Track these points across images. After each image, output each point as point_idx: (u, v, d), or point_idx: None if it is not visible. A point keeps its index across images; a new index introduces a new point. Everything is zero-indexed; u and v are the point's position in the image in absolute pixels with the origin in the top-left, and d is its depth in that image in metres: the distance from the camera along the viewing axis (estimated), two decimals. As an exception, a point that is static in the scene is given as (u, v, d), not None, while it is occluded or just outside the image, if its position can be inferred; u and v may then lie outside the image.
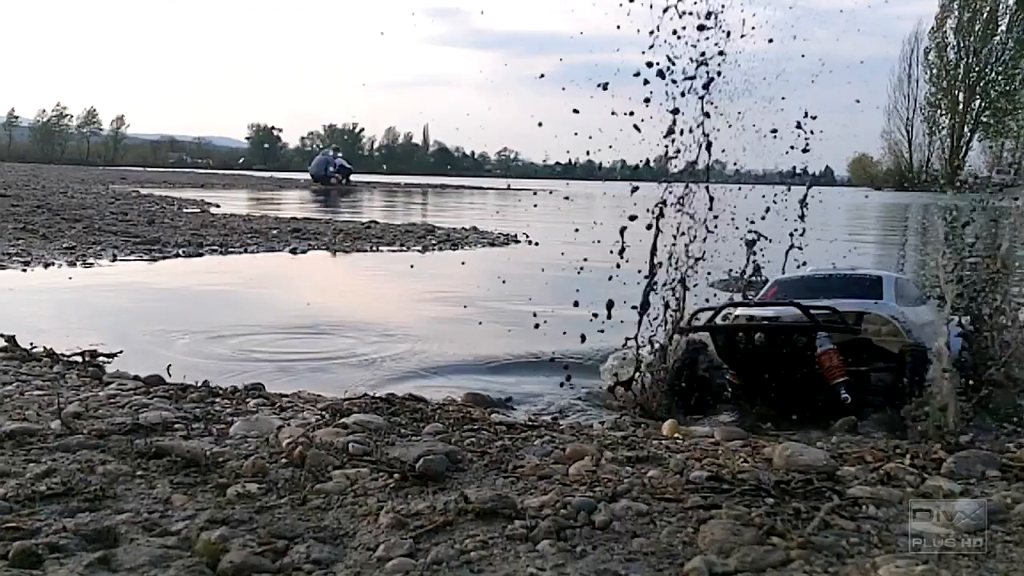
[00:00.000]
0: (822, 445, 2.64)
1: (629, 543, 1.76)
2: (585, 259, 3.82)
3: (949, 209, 3.95)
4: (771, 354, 3.48)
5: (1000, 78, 55.56)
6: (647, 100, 3.49)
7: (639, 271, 3.65)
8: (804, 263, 4.57)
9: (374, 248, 10.57)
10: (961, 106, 56.33)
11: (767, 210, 4.22)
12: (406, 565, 1.64)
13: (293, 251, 9.85)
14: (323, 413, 2.86)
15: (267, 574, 1.62)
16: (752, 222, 4.25)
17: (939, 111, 57.47)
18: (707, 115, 3.56)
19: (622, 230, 3.59)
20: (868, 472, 2.28)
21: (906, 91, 57.52)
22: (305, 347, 4.76)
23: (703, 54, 3.52)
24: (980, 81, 56.12)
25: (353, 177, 33.18)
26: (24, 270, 7.35)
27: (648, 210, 3.64)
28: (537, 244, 11.61)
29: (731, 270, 4.50)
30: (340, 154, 33.77)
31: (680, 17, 3.47)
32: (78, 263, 7.93)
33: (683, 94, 3.56)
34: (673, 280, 3.73)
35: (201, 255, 9.17)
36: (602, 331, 3.57)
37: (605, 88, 3.51)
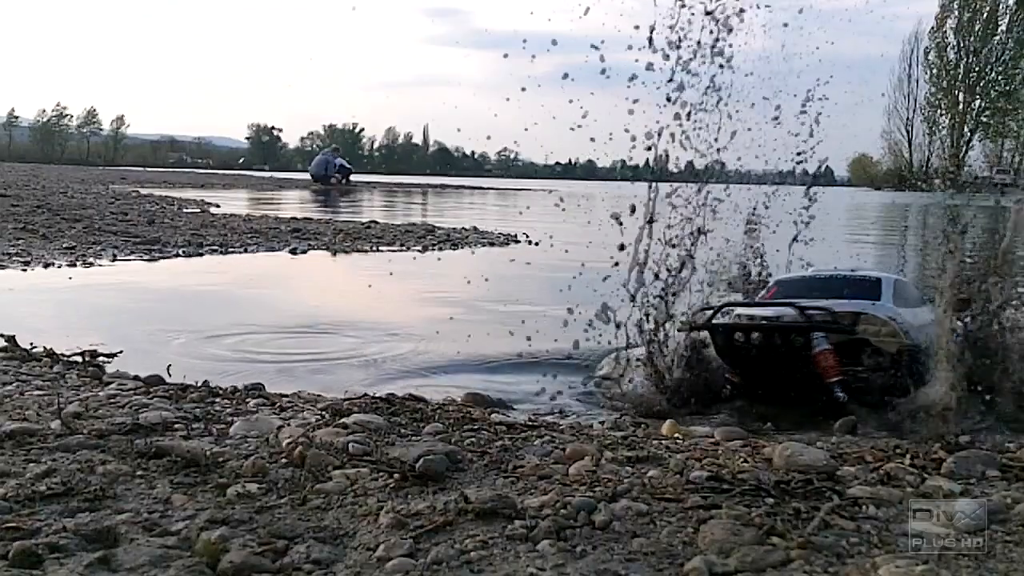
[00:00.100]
0: (822, 445, 2.64)
1: (629, 543, 1.76)
2: (583, 264, 3.83)
3: (949, 209, 3.94)
4: (768, 353, 3.51)
5: (1000, 78, 55.59)
6: (631, 109, 3.50)
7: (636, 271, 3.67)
8: (808, 264, 4.57)
9: (374, 248, 10.57)
10: (961, 106, 56.33)
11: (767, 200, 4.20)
12: (406, 565, 1.64)
13: (293, 251, 9.85)
14: (323, 413, 2.86)
15: (267, 574, 1.62)
16: (754, 212, 4.24)
17: (939, 111, 57.50)
18: (686, 115, 3.57)
19: (620, 246, 3.62)
20: (868, 472, 2.28)
21: (906, 91, 57.57)
22: (305, 347, 4.76)
23: (699, 44, 3.51)
24: (980, 81, 56.13)
25: (353, 177, 33.15)
26: (24, 270, 7.35)
27: (632, 209, 3.65)
28: (537, 244, 11.61)
29: (726, 267, 4.50)
30: (340, 154, 33.73)
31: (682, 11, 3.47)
32: (78, 263, 7.93)
33: (668, 98, 3.57)
34: (667, 279, 3.74)
35: (201, 255, 9.17)
36: (591, 328, 3.59)
37: (565, 76, 3.53)
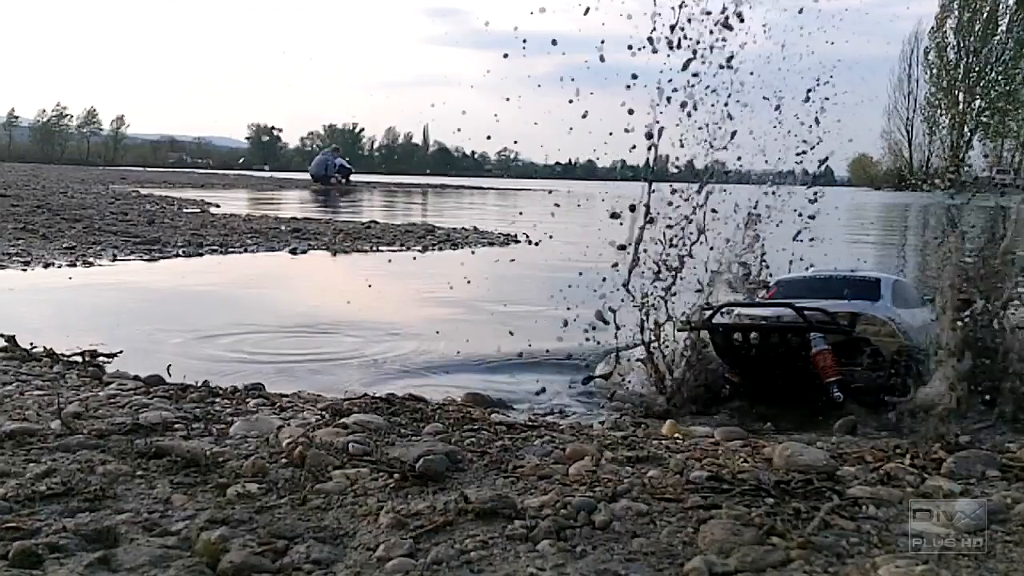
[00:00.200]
0: (822, 445, 2.64)
1: (629, 543, 1.76)
2: (582, 268, 3.83)
3: (948, 209, 3.95)
4: (766, 354, 3.54)
5: (1000, 78, 55.58)
6: (631, 109, 3.50)
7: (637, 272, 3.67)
8: (810, 264, 4.57)
9: (374, 248, 10.57)
10: (961, 106, 56.33)
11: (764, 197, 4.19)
12: (406, 565, 1.64)
13: (293, 251, 9.85)
14: (323, 413, 2.86)
15: (267, 574, 1.62)
16: (755, 209, 4.23)
17: (939, 111, 57.49)
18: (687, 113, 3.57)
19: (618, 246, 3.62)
20: (868, 472, 2.28)
21: (906, 91, 57.56)
22: (304, 347, 4.77)
23: (696, 45, 3.51)
24: (980, 81, 56.13)
25: (353, 177, 33.14)
26: (24, 270, 7.35)
27: (632, 207, 3.65)
28: (537, 244, 11.61)
29: (726, 267, 4.49)
30: (340, 154, 33.72)
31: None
32: (78, 263, 7.93)
33: (670, 100, 3.57)
34: (666, 279, 3.75)
35: (201, 255, 9.17)
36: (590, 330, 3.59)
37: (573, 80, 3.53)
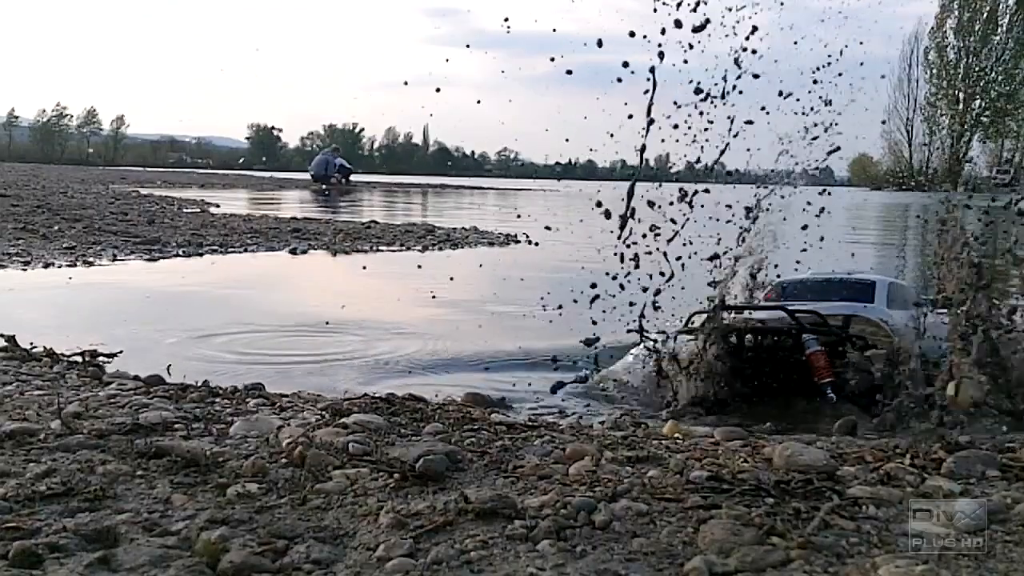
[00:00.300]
0: (822, 445, 2.64)
1: (629, 543, 1.76)
2: (583, 265, 3.84)
3: (949, 209, 3.94)
4: (762, 355, 3.58)
5: (1000, 78, 55.57)
6: (631, 114, 3.49)
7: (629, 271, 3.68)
8: (807, 267, 4.58)
9: (374, 248, 10.58)
10: (961, 106, 56.32)
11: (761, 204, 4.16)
12: (406, 565, 1.64)
13: (293, 251, 9.85)
14: (323, 413, 2.86)
15: (267, 574, 1.62)
16: (758, 204, 4.21)
17: (939, 111, 57.48)
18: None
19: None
20: (868, 472, 2.28)
21: (906, 91, 57.53)
22: (304, 347, 4.77)
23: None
24: (980, 81, 56.12)
25: (353, 177, 33.15)
26: (24, 270, 7.35)
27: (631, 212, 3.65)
28: (537, 244, 11.62)
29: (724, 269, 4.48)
30: (340, 154, 33.72)
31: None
32: (78, 263, 7.93)
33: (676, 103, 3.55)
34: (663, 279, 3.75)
35: (201, 255, 9.17)
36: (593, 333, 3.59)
37: (569, 72, 3.50)
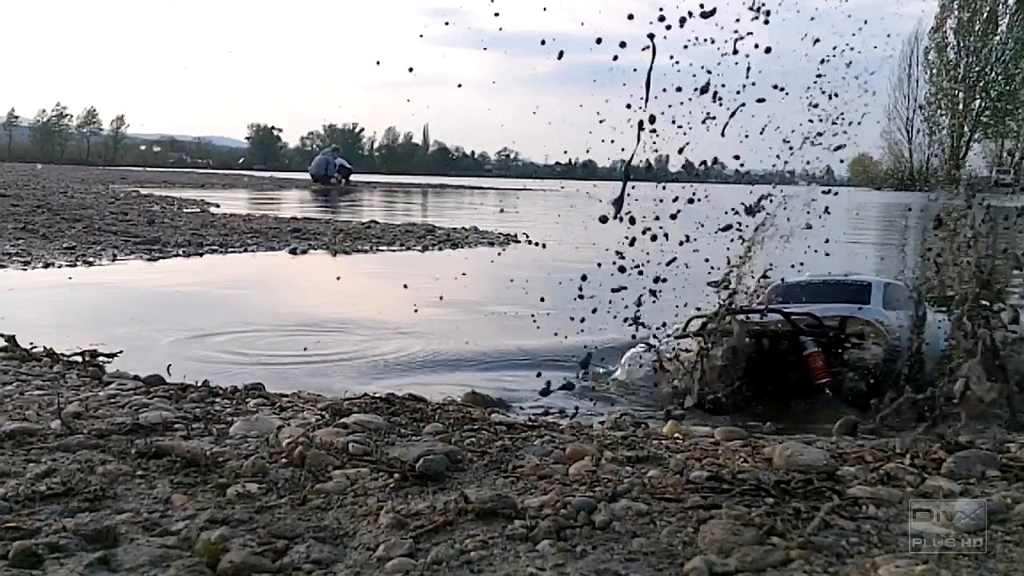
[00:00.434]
0: (822, 445, 2.64)
1: (629, 543, 1.76)
2: (582, 259, 3.83)
3: (949, 210, 3.94)
4: (761, 357, 3.65)
5: (1000, 78, 55.54)
6: (632, 119, 3.47)
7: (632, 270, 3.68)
8: (808, 270, 4.58)
9: (374, 248, 10.58)
10: (961, 106, 56.31)
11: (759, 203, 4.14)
12: (406, 565, 1.64)
13: (293, 251, 9.85)
14: (323, 413, 2.86)
15: (267, 574, 1.62)
16: (759, 204, 4.20)
17: (939, 111, 57.44)
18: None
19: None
20: (868, 472, 2.28)
21: (906, 91, 57.47)
22: (303, 347, 4.77)
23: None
24: (980, 81, 56.09)
25: (353, 177, 33.13)
26: (24, 270, 7.35)
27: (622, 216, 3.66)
28: (537, 244, 11.61)
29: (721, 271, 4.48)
30: (340, 154, 33.71)
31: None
32: (78, 263, 7.93)
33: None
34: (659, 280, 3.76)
35: (201, 255, 9.17)
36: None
37: (560, 57, 3.49)
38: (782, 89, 3.79)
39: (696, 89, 3.55)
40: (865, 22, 3.79)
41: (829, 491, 2.06)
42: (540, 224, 15.28)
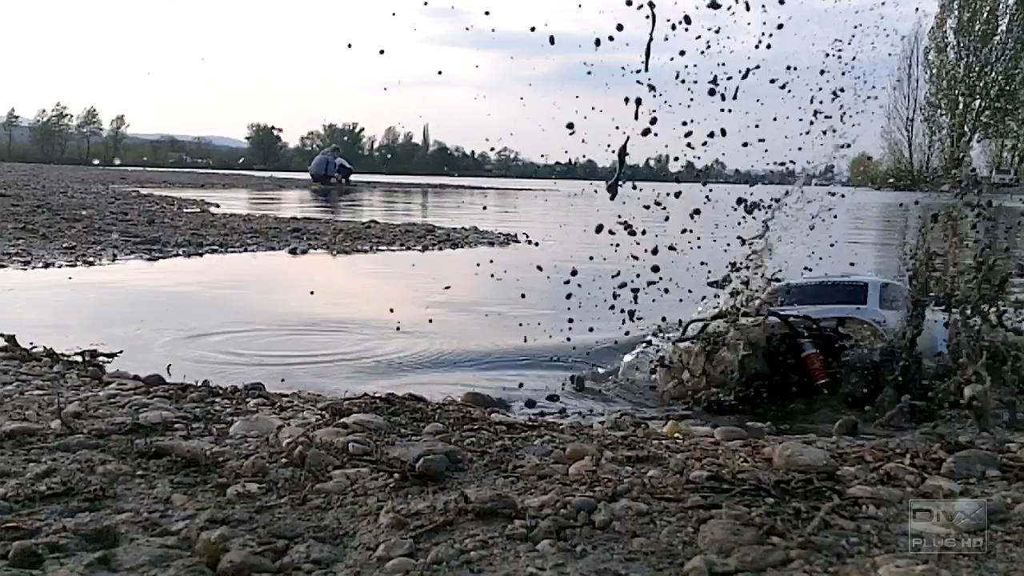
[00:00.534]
0: (822, 445, 2.64)
1: (629, 543, 1.76)
2: (589, 258, 3.84)
3: (949, 210, 3.95)
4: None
5: (1000, 78, 55.53)
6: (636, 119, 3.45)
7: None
8: (805, 272, 4.57)
9: (374, 248, 10.57)
10: (961, 106, 56.30)
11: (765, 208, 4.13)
12: (406, 565, 1.64)
13: (293, 251, 9.85)
14: (323, 413, 2.86)
15: (267, 574, 1.62)
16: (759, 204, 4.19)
17: (939, 111, 57.45)
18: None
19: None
20: (868, 472, 2.28)
21: (906, 91, 57.47)
22: (304, 347, 4.77)
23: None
24: (980, 81, 56.09)
25: (353, 177, 33.13)
26: (24, 270, 7.35)
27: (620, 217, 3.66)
28: (537, 244, 11.62)
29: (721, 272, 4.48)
30: (340, 154, 33.70)
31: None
32: (78, 263, 7.93)
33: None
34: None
35: (201, 255, 9.17)
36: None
37: (552, 42, 3.48)
38: (783, 87, 3.79)
39: (711, 94, 3.54)
40: (874, 22, 3.79)
41: (829, 491, 2.06)
42: (540, 224, 15.29)
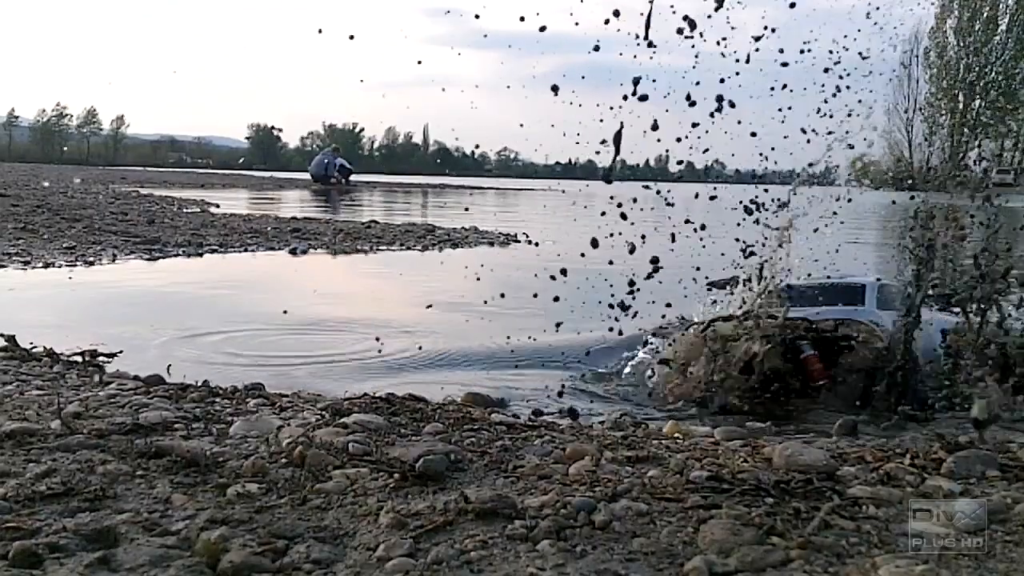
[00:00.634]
0: (822, 445, 2.64)
1: (629, 543, 1.76)
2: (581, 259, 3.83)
3: (949, 214, 3.95)
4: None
5: (1000, 78, 55.51)
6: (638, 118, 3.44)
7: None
8: (803, 274, 4.57)
9: (374, 248, 10.58)
10: (961, 106, 56.28)
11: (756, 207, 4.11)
12: (406, 565, 1.64)
13: (293, 251, 9.85)
14: (323, 413, 2.86)
15: (267, 574, 1.62)
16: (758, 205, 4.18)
17: (939, 111, 57.42)
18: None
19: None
20: (868, 472, 2.28)
21: (906, 91, 57.42)
22: (305, 347, 4.77)
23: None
24: (980, 81, 56.06)
25: (353, 177, 33.14)
26: (24, 270, 7.35)
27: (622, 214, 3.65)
28: (537, 244, 11.62)
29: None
30: (340, 154, 33.70)
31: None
32: (78, 263, 7.93)
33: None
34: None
35: (201, 255, 9.17)
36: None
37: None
38: (785, 87, 3.79)
39: (719, 100, 3.53)
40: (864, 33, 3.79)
41: (829, 491, 2.07)
42: (540, 224, 15.29)
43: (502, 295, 4.43)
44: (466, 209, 19.42)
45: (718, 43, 3.51)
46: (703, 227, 3.72)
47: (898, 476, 2.23)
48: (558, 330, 3.88)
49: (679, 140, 3.52)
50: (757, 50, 3.63)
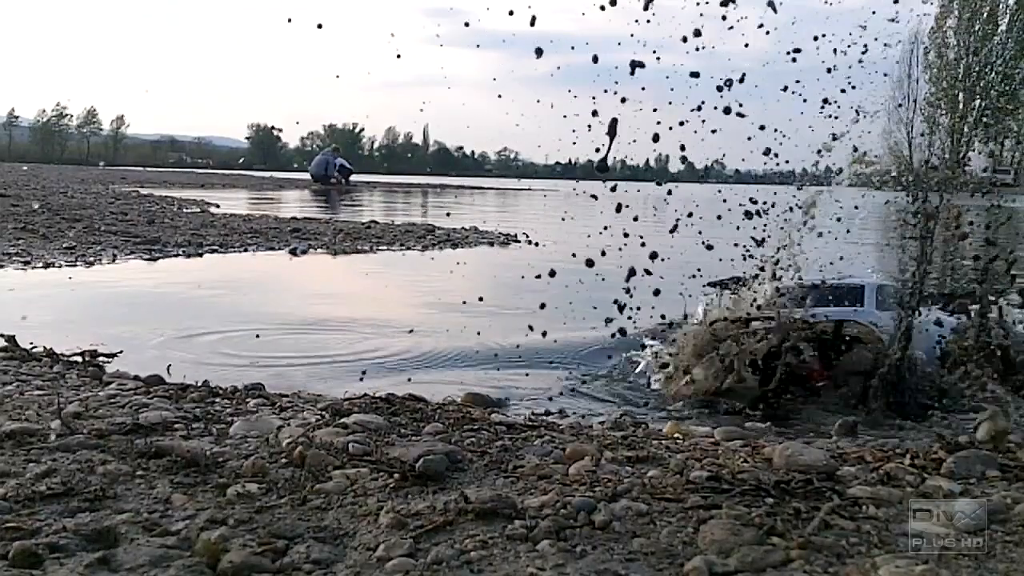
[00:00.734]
0: (822, 445, 2.64)
1: (629, 543, 1.76)
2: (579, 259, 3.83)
3: (948, 214, 3.95)
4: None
5: (1000, 78, 55.50)
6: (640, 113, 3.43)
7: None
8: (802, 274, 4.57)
9: (374, 248, 10.57)
10: (961, 106, 56.27)
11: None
12: (406, 565, 1.64)
13: (293, 251, 9.85)
14: (323, 413, 2.86)
15: (267, 574, 1.62)
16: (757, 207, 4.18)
17: (939, 111, 57.40)
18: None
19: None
20: (868, 472, 2.28)
21: (906, 91, 57.42)
22: (305, 347, 4.77)
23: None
24: (980, 81, 56.06)
25: (353, 177, 33.12)
26: (24, 270, 7.35)
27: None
28: (537, 244, 11.62)
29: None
30: (340, 154, 33.69)
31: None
32: (78, 263, 7.93)
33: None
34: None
35: (201, 255, 9.17)
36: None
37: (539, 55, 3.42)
38: (785, 89, 3.79)
39: (721, 89, 3.52)
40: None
41: (829, 491, 2.07)
42: (540, 224, 15.28)
43: (542, 304, 4.39)
44: (448, 214, 19.41)
45: (713, 47, 3.52)
46: (700, 230, 3.73)
47: (898, 476, 2.23)
48: (545, 336, 3.87)
49: (682, 147, 3.53)
50: (747, 45, 3.63)
